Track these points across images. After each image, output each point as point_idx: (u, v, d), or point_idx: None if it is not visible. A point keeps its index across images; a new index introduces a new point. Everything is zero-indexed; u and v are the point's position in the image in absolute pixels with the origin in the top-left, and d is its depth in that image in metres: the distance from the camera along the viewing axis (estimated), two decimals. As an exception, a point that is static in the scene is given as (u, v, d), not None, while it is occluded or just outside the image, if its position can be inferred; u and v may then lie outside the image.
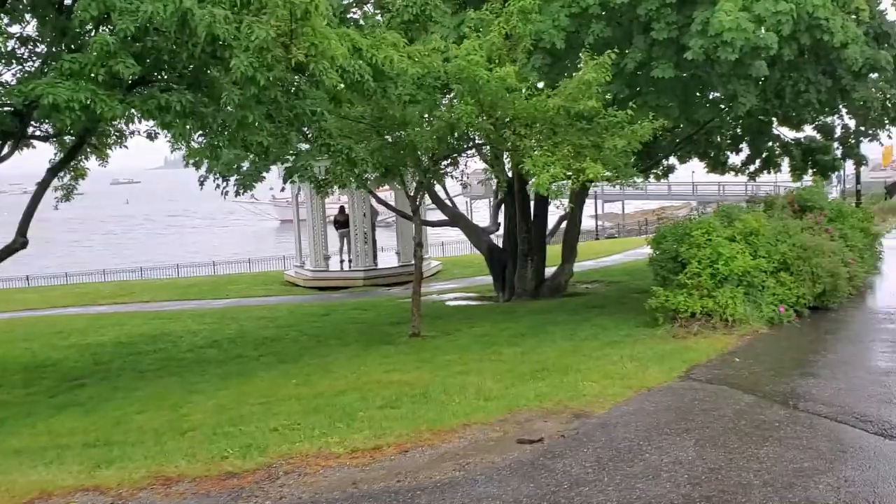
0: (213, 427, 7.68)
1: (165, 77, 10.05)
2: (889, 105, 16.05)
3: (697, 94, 13.23)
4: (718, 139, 20.09)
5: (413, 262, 26.34)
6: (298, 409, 7.99)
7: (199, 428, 7.84)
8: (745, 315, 10.46)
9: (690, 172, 34.63)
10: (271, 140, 9.57)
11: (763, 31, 10.83)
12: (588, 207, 53.29)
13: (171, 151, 12.12)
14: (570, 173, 11.29)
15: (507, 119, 12.11)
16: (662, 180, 27.04)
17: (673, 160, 22.12)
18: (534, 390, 7.74)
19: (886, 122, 16.29)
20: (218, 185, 15.88)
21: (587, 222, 53.74)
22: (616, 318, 12.51)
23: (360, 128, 12.91)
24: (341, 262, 26.78)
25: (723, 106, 13.59)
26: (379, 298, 20.95)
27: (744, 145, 20.12)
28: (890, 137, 17.83)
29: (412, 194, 13.37)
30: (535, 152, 11.42)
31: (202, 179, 16.04)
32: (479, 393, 7.87)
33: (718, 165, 20.88)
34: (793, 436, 5.98)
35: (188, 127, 9.28)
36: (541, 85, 13.49)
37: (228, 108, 8.86)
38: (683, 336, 10.18)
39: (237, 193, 16.28)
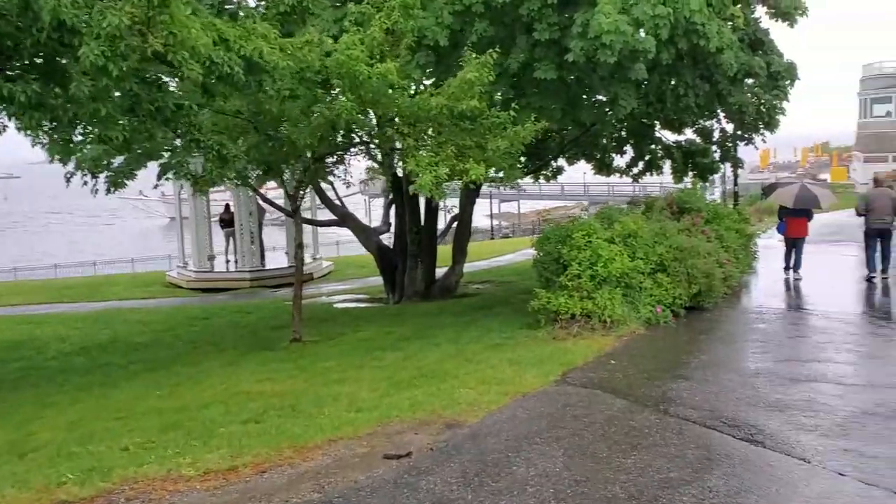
0: (58, 447, 7.02)
1: (16, 65, 9.20)
2: (763, 110, 16.62)
3: (581, 96, 13.26)
4: (604, 141, 20.46)
5: (304, 261, 25.99)
6: (156, 425, 7.41)
7: (42, 448, 7.16)
8: (624, 316, 10.52)
9: (582, 173, 35.32)
10: (129, 135, 8.86)
11: (642, 34, 10.90)
12: (484, 207, 53.80)
13: (32, 146, 11.07)
14: (453, 174, 11.08)
15: (391, 117, 11.79)
16: (553, 181, 27.32)
17: (562, 161, 22.34)
18: (409, 399, 7.44)
19: (761, 126, 16.87)
20: (86, 182, 14.81)
21: (484, 222, 54.26)
22: (501, 320, 12.40)
23: (236, 123, 12.30)
24: (227, 262, 25.82)
25: (605, 108, 13.66)
26: (265, 300, 20.24)
27: (628, 148, 20.52)
28: (764, 141, 18.48)
29: (292, 193, 12.83)
30: (420, 152, 11.15)
31: (69, 176, 14.92)
32: (351, 404, 7.51)
33: (604, 167, 21.19)
34: (661, 443, 5.91)
35: (35, 120, 8.45)
36: (429, 83, 13.26)
37: (80, 99, 8.13)
38: (564, 338, 10.13)
39: (108, 191, 15.24)
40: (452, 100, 10.85)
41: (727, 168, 47.24)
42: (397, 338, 11.82)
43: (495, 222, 56.91)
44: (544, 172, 22.53)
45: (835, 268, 16.52)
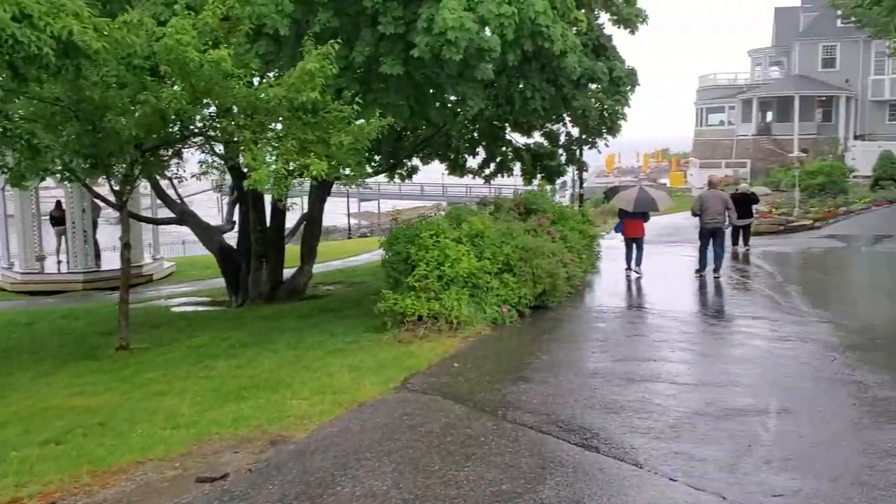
0: None
1: None
2: (606, 115, 17.06)
3: (430, 94, 12.99)
4: (457, 142, 20.42)
5: (142, 261, 24.30)
6: (-62, 452, 6.40)
7: None
8: (470, 317, 10.33)
9: (441, 174, 35.40)
10: None
11: (488, 32, 10.75)
12: (343, 206, 52.95)
13: None
14: (294, 169, 10.50)
15: (227, 108, 11.04)
16: (412, 181, 27.09)
17: (417, 161, 22.12)
18: (233, 413, 6.82)
19: (604, 130, 17.34)
20: None
21: (343, 221, 53.41)
22: (348, 323, 11.94)
23: (55, 112, 11.11)
24: (58, 263, 23.76)
25: (454, 108, 13.48)
26: (97, 304, 18.68)
27: (481, 149, 20.59)
28: (607, 145, 19.05)
29: (118, 188, 11.78)
30: (257, 145, 10.48)
31: None
32: (169, 419, 6.81)
33: (457, 168, 21.15)
34: (497, 452, 5.65)
35: None
36: (272, 74, 12.56)
37: None
38: (409, 340, 9.81)
39: None
40: (292, 91, 10.24)
41: (573, 171, 48.82)
42: (232, 344, 11.08)
43: (355, 221, 56.22)
44: (400, 172, 22.24)
45: (672, 267, 17.19)
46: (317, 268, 22.62)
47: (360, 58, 11.35)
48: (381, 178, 23.99)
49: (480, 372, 8.15)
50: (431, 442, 5.89)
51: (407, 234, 11.28)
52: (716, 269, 14.92)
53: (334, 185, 18.18)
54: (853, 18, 39.24)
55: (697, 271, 15.18)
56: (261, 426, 6.39)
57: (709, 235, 15.09)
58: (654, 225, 17.40)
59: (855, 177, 37.70)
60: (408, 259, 10.94)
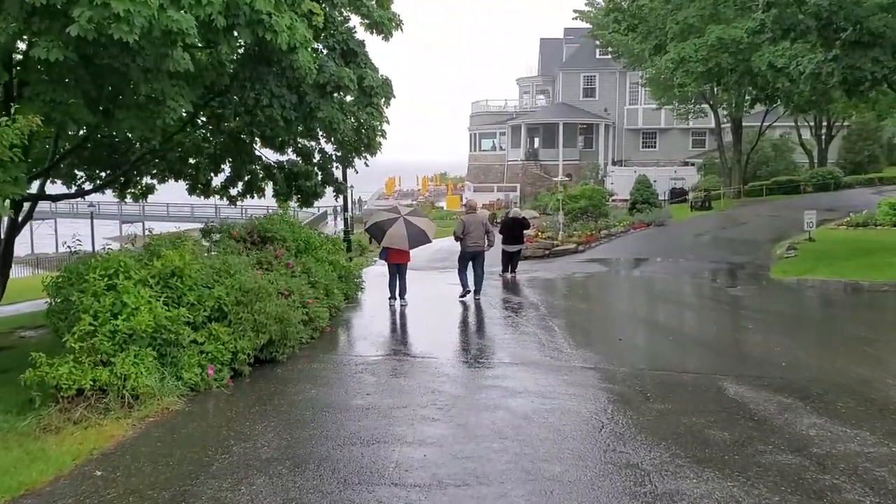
0: None
1: None
2: (363, 130, 14.98)
3: (116, 90, 10.07)
4: (198, 158, 17.46)
5: None
6: None
7: None
8: (154, 387, 7.58)
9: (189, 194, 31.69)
10: None
11: (181, 12, 8.14)
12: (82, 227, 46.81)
13: None
14: None
15: None
16: (152, 202, 23.45)
17: (154, 180, 18.75)
18: None
19: (361, 148, 15.28)
20: None
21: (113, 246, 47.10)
22: (4, 391, 8.66)
23: None
24: None
25: (156, 112, 10.64)
26: None
27: (227, 166, 17.74)
28: (367, 165, 17.01)
29: None
30: None
31: None
32: None
33: (199, 187, 18.11)
34: None
35: None
36: None
37: None
38: (59, 427, 6.91)
39: None
40: None
41: (352, 194, 46.67)
42: None
43: (113, 246, 49.92)
44: (132, 191, 18.77)
45: (439, 295, 15.44)
46: (23, 307, 18.48)
47: (2, 37, 8.23)
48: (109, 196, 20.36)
49: (128, 487, 5.47)
50: None
51: (72, 273, 8.32)
52: (477, 291, 14.54)
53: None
54: (610, 49, 41.05)
55: (461, 296, 14.43)
56: None
57: (470, 258, 14.73)
58: (425, 250, 15.62)
59: (614, 200, 39.04)
60: (72, 309, 8.00)
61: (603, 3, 40.97)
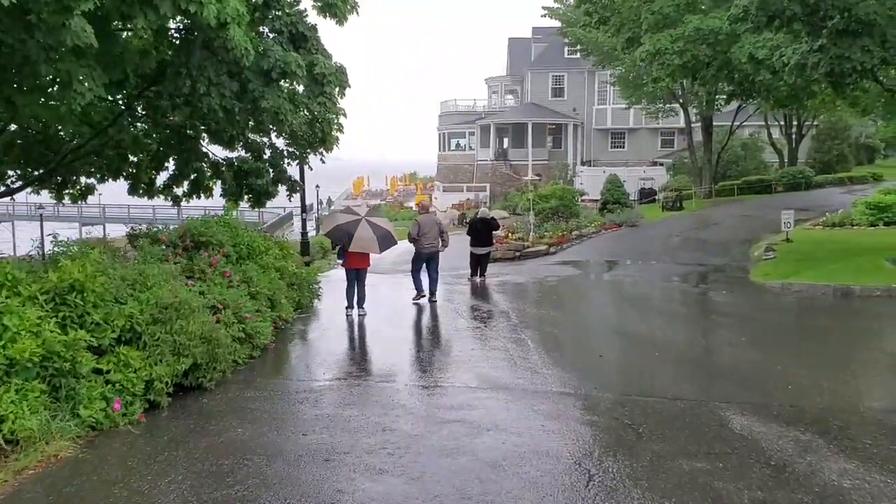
0: None
1: None
2: (318, 123, 13.53)
3: (12, 71, 8.53)
4: (139, 154, 15.91)
5: None
6: None
7: None
8: (37, 430, 6.08)
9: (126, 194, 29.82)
10: None
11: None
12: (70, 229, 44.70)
13: None
14: None
15: None
16: (89, 202, 21.70)
17: (92, 179, 17.09)
18: None
19: (316, 142, 13.83)
20: None
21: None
22: None
23: None
24: None
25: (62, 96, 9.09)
26: None
27: (172, 164, 16.19)
28: (323, 161, 15.55)
29: None
30: None
31: None
32: None
33: (140, 187, 16.52)
34: None
35: None
36: None
37: None
38: None
39: None
40: None
41: (318, 193, 45.04)
42: None
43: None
44: (70, 192, 17.10)
45: (402, 303, 14.02)
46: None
47: None
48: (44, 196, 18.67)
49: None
50: None
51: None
52: (432, 294, 13.94)
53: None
54: (579, 47, 39.93)
55: (415, 299, 13.85)
56: None
57: (425, 260, 14.13)
58: (388, 252, 14.24)
59: (584, 200, 37.94)
60: (-60, 333, 6.46)
61: (573, 1, 39.90)
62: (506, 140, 54.87)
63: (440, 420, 6.84)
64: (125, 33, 10.52)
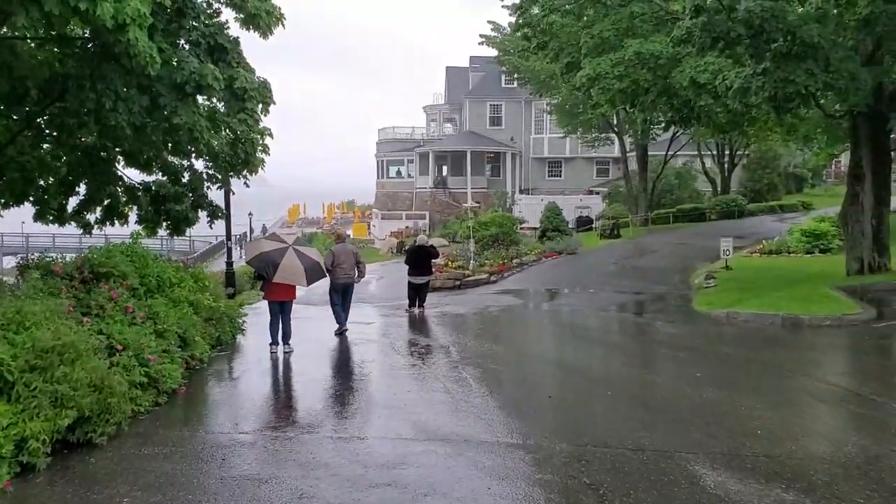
0: None
1: None
2: (241, 143, 12.39)
3: None
4: (45, 178, 14.44)
5: None
6: None
7: None
8: None
9: (21, 221, 27.47)
10: None
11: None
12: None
13: None
14: None
15: None
16: None
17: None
18: None
19: (238, 164, 12.68)
20: None
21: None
22: None
23: None
24: None
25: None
26: None
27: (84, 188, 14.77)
28: (247, 185, 14.39)
29: None
30: None
31: None
32: None
33: (51, 212, 15.00)
34: None
35: None
36: None
37: None
38: None
39: None
40: None
41: (251, 221, 43.35)
42: None
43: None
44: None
45: (333, 335, 12.91)
46: None
47: None
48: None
49: None
50: None
51: None
52: (343, 322, 13.26)
53: None
54: (517, 76, 39.71)
55: (338, 332, 13.06)
56: None
57: (341, 290, 13.27)
58: (325, 281, 13.19)
59: (523, 228, 37.47)
60: None
61: (510, 30, 39.74)
62: (445, 168, 54.29)
63: (368, 484, 5.77)
64: (22, 43, 9.30)
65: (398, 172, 57.04)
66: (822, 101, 15.54)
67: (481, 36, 40.32)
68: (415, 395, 8.79)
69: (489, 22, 40.72)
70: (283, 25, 11.49)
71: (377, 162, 58.76)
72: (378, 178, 58.82)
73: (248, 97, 10.85)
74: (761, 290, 16.69)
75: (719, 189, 42.74)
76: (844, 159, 46.48)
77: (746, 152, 42.79)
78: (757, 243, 26.37)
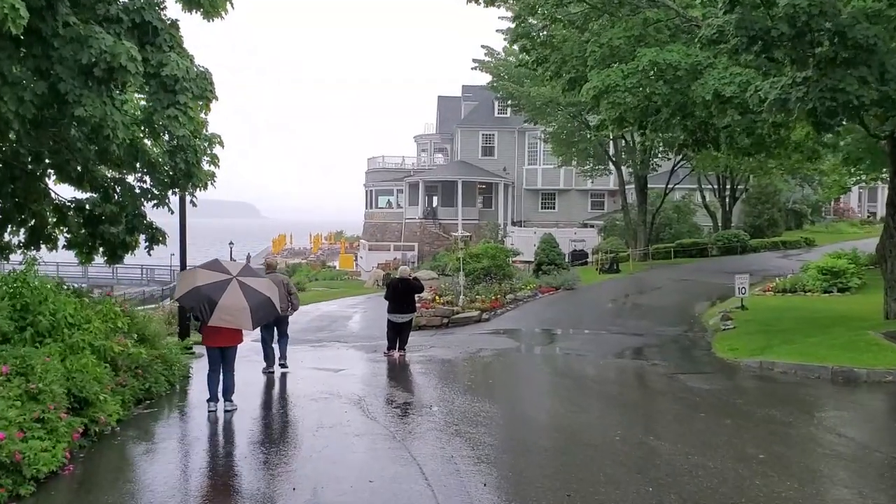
0: None
1: None
2: (182, 151, 9.97)
3: None
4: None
5: None
6: None
7: None
8: None
9: None
10: None
11: None
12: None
13: None
14: None
15: None
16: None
17: None
18: None
19: (178, 177, 10.27)
20: None
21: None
22: None
23: None
24: None
25: None
26: None
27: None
28: (195, 204, 11.93)
29: None
30: None
31: None
32: None
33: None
34: None
35: None
36: None
37: None
38: None
39: None
40: None
41: (231, 252, 40.68)
42: None
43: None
44: None
45: (295, 389, 10.42)
46: None
47: None
48: None
49: None
50: None
51: None
52: (282, 357, 12.05)
53: None
54: (510, 102, 37.61)
55: (266, 371, 11.72)
56: None
57: (273, 325, 11.62)
58: (301, 315, 10.83)
59: (515, 261, 35.10)
60: None
61: (503, 54, 37.77)
62: (435, 198, 52.04)
63: None
64: None
65: (388, 203, 54.74)
66: (866, 119, 13.29)
67: (475, 61, 38.30)
68: (385, 486, 6.26)
69: (483, 46, 38.74)
70: (232, 5, 9.16)
71: (366, 192, 56.51)
72: (366, 208, 56.52)
73: (181, 88, 8.43)
74: (788, 335, 14.29)
75: (720, 223, 40.59)
76: (846, 196, 44.55)
77: (747, 187, 40.76)
78: (767, 280, 24.05)
